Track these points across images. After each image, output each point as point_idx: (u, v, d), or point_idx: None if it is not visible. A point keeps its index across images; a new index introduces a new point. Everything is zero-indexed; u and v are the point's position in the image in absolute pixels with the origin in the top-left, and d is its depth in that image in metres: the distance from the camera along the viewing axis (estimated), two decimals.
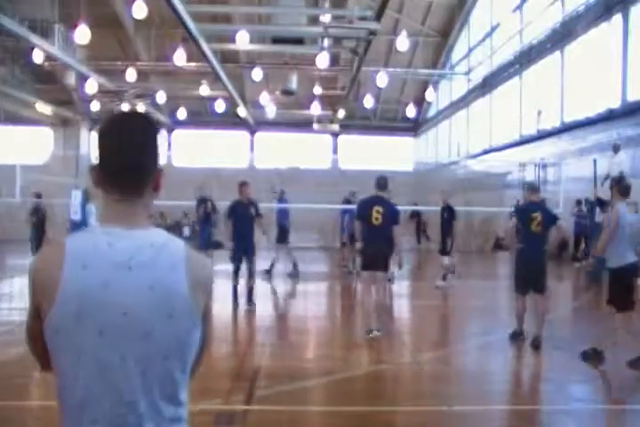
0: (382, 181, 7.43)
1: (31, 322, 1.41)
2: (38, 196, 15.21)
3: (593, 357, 6.14)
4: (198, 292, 1.40)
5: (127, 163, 1.42)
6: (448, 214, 11.89)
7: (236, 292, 8.90)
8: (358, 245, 7.51)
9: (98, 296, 1.31)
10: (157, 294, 1.34)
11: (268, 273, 12.50)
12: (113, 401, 1.32)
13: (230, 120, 31.07)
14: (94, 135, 2.06)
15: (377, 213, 7.17)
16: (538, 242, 6.95)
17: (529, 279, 6.98)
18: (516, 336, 7.13)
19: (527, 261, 6.99)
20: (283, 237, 12.81)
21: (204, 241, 11.83)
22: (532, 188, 7.34)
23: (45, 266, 1.35)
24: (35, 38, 17.70)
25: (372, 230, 7.23)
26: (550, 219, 7.03)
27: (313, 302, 11.06)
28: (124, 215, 1.41)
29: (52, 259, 1.34)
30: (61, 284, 1.30)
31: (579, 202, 15.63)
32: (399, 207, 7.70)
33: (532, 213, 6.92)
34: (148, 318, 1.34)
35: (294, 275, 12.63)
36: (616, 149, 13.47)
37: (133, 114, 1.55)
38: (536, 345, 6.80)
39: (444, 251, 11.96)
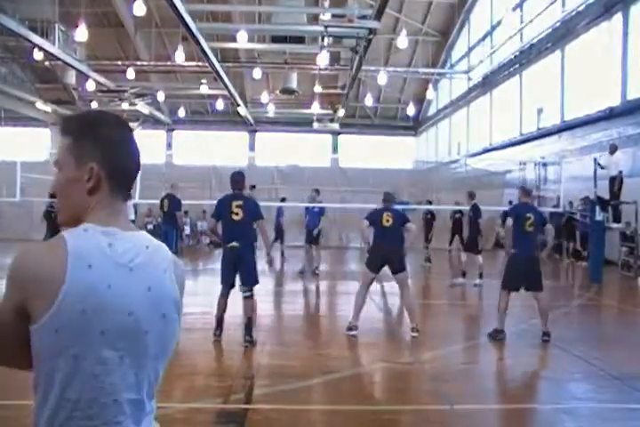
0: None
1: (7, 318, 1.33)
2: (53, 195, 15.10)
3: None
4: (181, 293, 1.49)
5: (137, 168, 1.49)
6: (474, 213, 12.07)
7: (219, 322, 6.84)
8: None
9: (103, 296, 1.31)
10: (154, 295, 1.39)
11: None
12: (107, 401, 1.33)
13: (230, 119, 31.11)
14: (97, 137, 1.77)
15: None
16: (530, 241, 7.33)
17: (523, 277, 7.23)
18: (498, 334, 7.21)
19: (521, 260, 7.26)
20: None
21: (168, 243, 10.93)
22: (525, 190, 7.78)
23: (43, 263, 1.31)
24: (35, 38, 17.70)
25: None
26: (542, 220, 7.52)
27: (308, 301, 11.07)
28: (119, 217, 1.44)
29: (52, 256, 1.32)
30: (66, 283, 1.29)
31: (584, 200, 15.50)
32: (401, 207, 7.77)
33: (526, 213, 7.33)
34: (147, 319, 1.38)
35: None
36: (612, 149, 13.46)
37: (115, 114, 1.55)
38: (546, 340, 7.06)
39: (474, 249, 12.19)
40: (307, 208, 13.70)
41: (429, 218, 16.33)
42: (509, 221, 7.34)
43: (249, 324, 6.75)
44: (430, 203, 17.33)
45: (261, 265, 7.80)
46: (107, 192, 1.42)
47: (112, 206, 1.43)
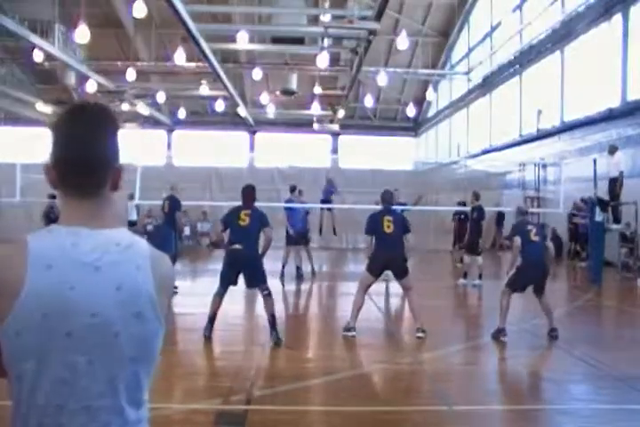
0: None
1: None
2: (53, 196, 14.95)
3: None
4: (162, 291, 1.38)
5: (86, 159, 1.36)
6: (478, 214, 12.06)
7: (211, 320, 6.98)
8: None
9: (64, 297, 1.26)
10: (125, 295, 1.31)
11: None
12: (77, 408, 1.27)
13: (230, 120, 31.07)
14: (49, 131, 1.43)
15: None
16: (538, 248, 7.50)
17: (531, 280, 7.37)
18: (500, 333, 7.24)
19: (531, 264, 7.41)
20: None
21: (167, 245, 10.00)
22: (522, 211, 8.08)
23: (3, 265, 1.27)
24: (35, 38, 17.71)
25: None
26: (542, 231, 8.11)
27: (307, 303, 11.07)
28: (88, 215, 1.36)
29: (12, 258, 1.27)
30: (26, 284, 1.24)
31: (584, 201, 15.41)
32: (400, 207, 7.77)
33: (527, 226, 7.70)
34: (116, 319, 1.30)
35: None
36: (612, 150, 13.44)
37: (89, 105, 1.43)
38: (553, 336, 7.22)
39: (474, 250, 12.19)
40: (290, 209, 13.54)
41: (460, 220, 15.86)
42: (517, 239, 7.47)
43: (273, 321, 6.85)
44: (461, 204, 16.68)
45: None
46: (62, 190, 1.38)
47: (74, 204, 1.37)
